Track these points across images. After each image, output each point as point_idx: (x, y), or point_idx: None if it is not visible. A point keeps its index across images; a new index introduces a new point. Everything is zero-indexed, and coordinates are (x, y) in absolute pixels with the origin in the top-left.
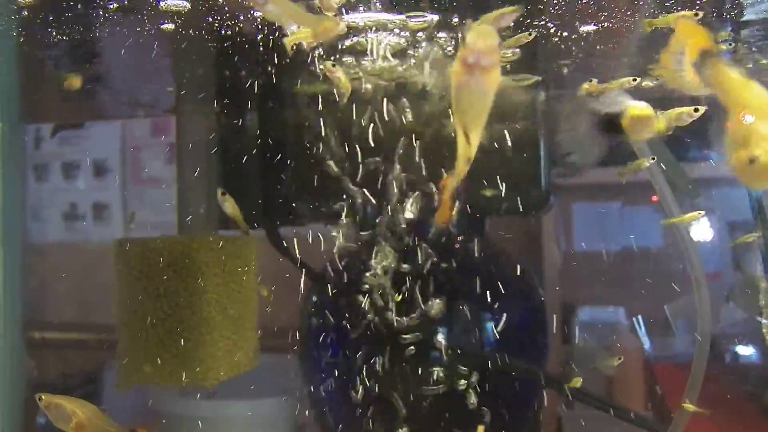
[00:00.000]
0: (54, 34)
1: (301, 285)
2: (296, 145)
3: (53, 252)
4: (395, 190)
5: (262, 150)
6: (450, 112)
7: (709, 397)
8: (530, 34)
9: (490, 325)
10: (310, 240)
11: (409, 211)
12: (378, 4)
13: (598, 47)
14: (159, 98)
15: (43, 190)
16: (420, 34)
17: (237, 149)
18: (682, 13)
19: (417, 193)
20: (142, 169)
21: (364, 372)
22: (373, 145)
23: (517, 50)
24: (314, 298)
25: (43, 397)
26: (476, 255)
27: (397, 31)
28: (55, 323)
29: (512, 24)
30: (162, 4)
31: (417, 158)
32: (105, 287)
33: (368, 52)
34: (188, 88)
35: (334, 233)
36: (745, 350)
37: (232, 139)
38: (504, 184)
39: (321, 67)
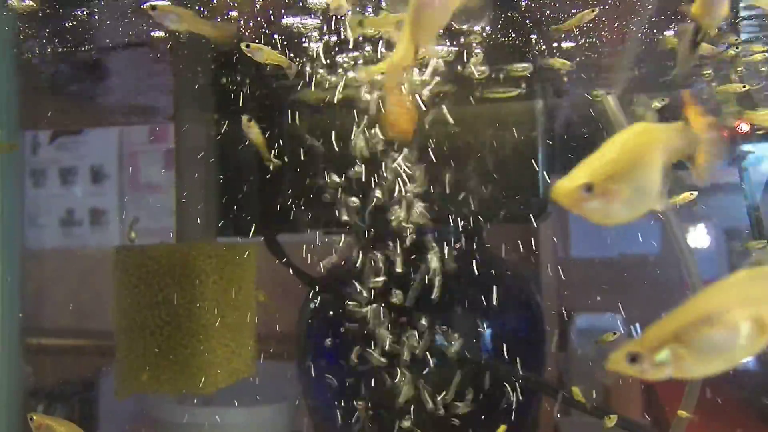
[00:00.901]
0: (52, 42)
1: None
2: (295, 153)
3: (50, 258)
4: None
5: (261, 158)
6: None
7: (707, 404)
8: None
9: (488, 332)
10: (309, 248)
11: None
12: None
13: (594, 57)
14: (158, 105)
15: (39, 196)
16: None
17: (236, 157)
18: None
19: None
20: (139, 176)
21: (361, 379)
22: (371, 153)
23: (529, 65)
24: (312, 305)
25: (34, 417)
26: (474, 262)
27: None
28: (52, 329)
29: None
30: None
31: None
32: (102, 293)
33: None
34: (187, 96)
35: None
36: None
37: (231, 146)
38: (502, 192)
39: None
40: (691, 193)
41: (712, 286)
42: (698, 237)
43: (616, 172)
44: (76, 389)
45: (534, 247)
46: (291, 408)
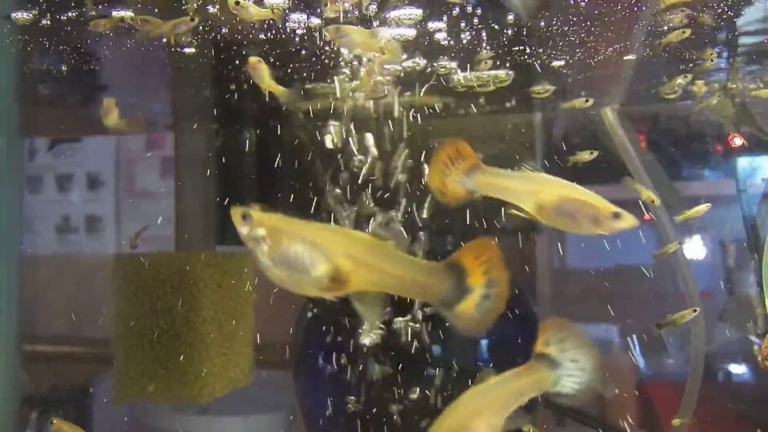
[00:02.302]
0: (51, 51)
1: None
2: (293, 161)
3: (46, 264)
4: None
5: (260, 165)
6: None
7: (703, 416)
8: (683, 33)
9: (484, 342)
10: None
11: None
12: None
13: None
14: (157, 114)
15: (36, 203)
16: None
17: (234, 165)
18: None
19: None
20: (136, 183)
21: (357, 387)
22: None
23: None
24: (309, 314)
25: (54, 421)
26: None
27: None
28: (48, 336)
29: None
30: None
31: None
32: (97, 300)
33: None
34: (187, 105)
35: None
36: (738, 369)
37: (230, 154)
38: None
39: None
40: (707, 205)
41: (460, 398)
42: (695, 248)
43: None
44: (72, 396)
45: (530, 258)
46: (287, 417)
